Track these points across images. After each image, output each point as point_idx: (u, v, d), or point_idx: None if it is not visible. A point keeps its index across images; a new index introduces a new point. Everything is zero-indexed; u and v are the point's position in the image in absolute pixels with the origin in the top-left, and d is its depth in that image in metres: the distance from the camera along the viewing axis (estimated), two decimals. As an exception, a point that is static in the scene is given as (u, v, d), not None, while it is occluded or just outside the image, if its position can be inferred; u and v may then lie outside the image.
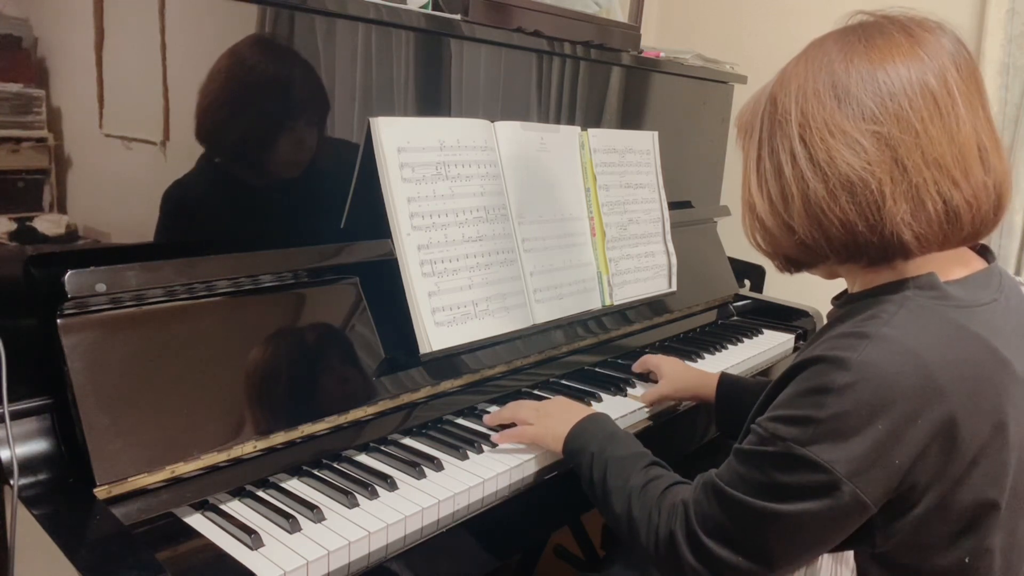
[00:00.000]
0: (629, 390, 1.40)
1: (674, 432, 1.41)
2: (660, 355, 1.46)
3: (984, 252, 0.90)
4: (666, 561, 0.89)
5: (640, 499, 0.94)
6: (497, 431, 1.17)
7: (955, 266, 0.85)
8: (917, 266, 0.83)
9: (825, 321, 0.92)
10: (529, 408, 1.16)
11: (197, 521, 0.91)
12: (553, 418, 1.12)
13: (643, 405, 1.34)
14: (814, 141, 0.80)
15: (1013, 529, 0.82)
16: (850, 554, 0.84)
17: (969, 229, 0.81)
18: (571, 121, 1.59)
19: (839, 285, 0.96)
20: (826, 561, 0.86)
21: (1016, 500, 0.81)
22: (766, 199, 0.85)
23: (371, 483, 1.00)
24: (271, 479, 1.01)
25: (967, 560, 0.80)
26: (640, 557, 1.20)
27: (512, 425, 1.16)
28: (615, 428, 1.08)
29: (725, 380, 1.33)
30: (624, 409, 1.32)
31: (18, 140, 0.87)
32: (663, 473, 0.97)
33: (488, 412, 1.27)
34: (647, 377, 1.46)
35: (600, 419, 1.10)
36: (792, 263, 0.90)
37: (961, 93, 0.79)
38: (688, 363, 1.50)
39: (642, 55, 1.78)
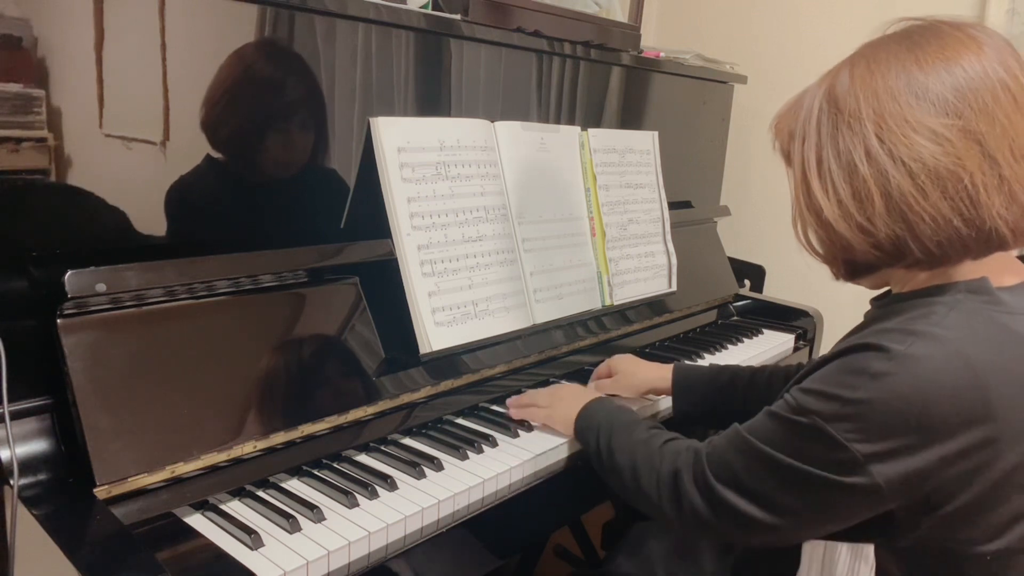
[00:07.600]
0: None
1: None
2: (614, 356, 1.42)
3: None
4: (668, 501, 0.93)
5: (645, 447, 0.99)
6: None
7: (1006, 274, 0.84)
8: (968, 271, 0.82)
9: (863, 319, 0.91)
10: (544, 394, 1.25)
11: (197, 521, 0.91)
12: (564, 402, 1.19)
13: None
14: (894, 138, 0.77)
15: None
16: (870, 549, 0.84)
17: None
18: (571, 121, 1.59)
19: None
20: (844, 556, 0.85)
21: None
22: (834, 202, 0.82)
23: (371, 483, 1.00)
24: (271, 479, 1.01)
25: (989, 559, 0.79)
26: (641, 556, 1.20)
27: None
28: (622, 404, 1.17)
29: (679, 371, 1.34)
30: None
31: (18, 140, 0.87)
32: (668, 432, 1.03)
33: (489, 410, 1.28)
34: None
35: (607, 400, 1.18)
36: (854, 269, 0.87)
37: None
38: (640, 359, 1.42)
39: (642, 55, 1.78)
